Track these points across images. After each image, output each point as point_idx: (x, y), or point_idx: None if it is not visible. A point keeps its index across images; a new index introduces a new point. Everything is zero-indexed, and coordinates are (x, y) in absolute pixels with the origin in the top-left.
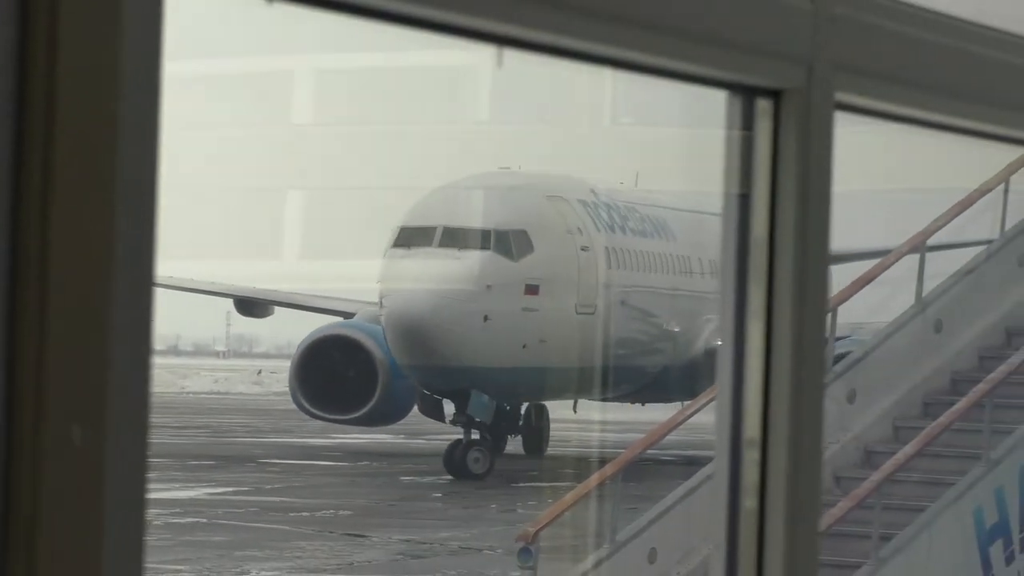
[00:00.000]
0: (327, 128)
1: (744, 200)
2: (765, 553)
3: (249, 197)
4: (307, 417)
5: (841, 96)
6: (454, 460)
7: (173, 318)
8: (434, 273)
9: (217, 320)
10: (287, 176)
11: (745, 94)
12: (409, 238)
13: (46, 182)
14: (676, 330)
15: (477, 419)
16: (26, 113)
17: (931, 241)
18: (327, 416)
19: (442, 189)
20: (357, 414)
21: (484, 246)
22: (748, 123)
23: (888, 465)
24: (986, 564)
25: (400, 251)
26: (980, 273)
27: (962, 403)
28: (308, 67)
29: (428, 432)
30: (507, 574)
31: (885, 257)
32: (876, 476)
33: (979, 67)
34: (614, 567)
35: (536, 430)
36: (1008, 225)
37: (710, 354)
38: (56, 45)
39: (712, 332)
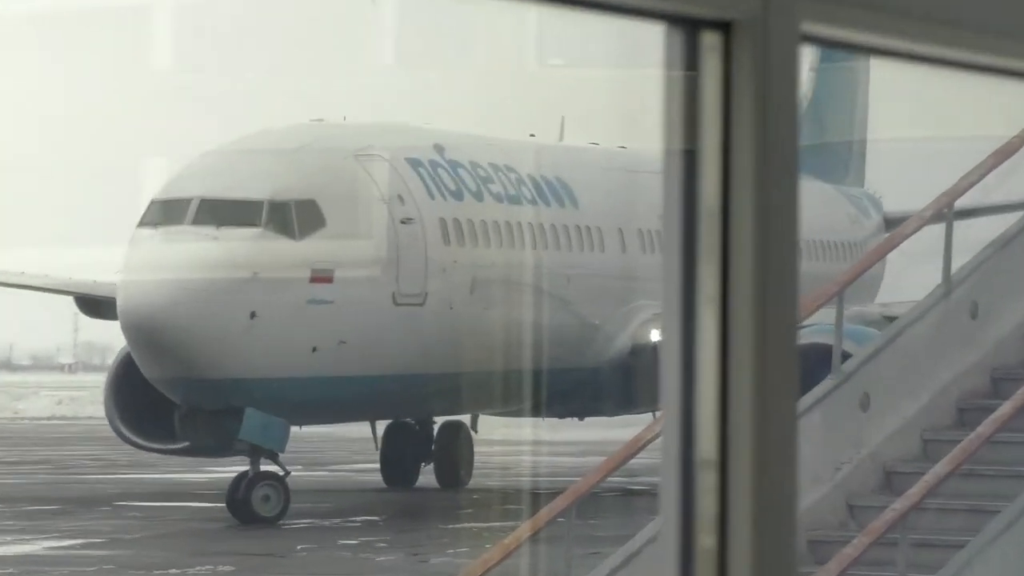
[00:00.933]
0: (188, 80)
1: (690, 157)
2: None
3: (97, 165)
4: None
5: (807, 27)
6: (236, 499)
7: (3, 323)
8: (183, 258)
9: (62, 325)
10: (143, 139)
11: (688, 27)
12: (158, 214)
13: None
14: (582, 322)
15: (262, 445)
16: None
17: (960, 204)
18: (150, 445)
19: (211, 152)
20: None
21: (252, 222)
22: (692, 62)
23: (916, 490)
24: None
25: (146, 231)
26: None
27: (1007, 407)
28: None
29: (329, 462)
30: None
31: (902, 225)
32: (900, 504)
33: None
34: None
35: (450, 455)
36: None
37: (641, 352)
38: None
39: (644, 323)
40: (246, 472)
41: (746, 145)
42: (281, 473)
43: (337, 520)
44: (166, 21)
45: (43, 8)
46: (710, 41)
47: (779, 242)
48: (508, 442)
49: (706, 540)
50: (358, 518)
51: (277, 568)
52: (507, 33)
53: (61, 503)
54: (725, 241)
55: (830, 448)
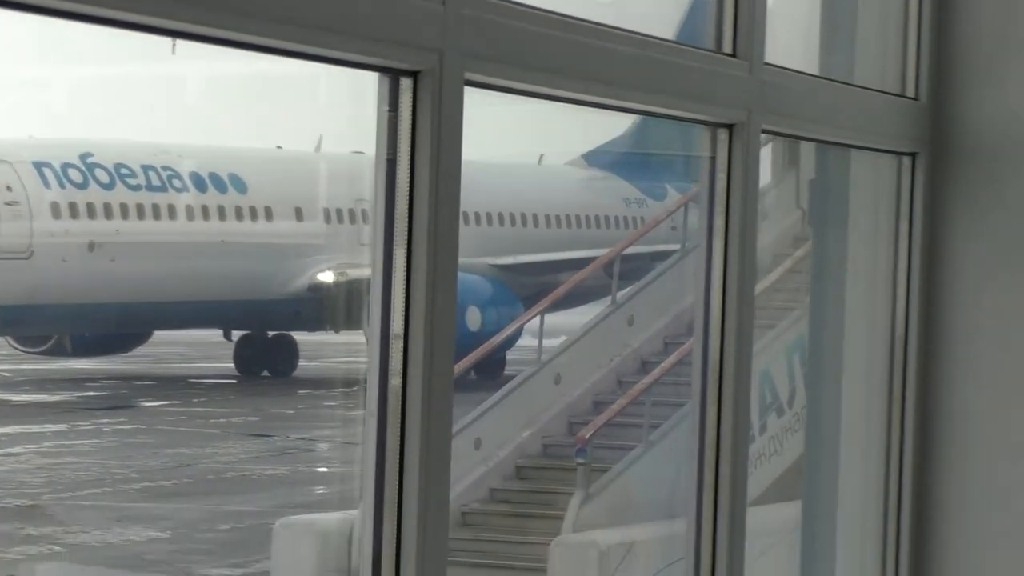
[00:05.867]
0: None
1: (392, 164)
2: (407, 418)
3: None
4: None
5: (470, 75)
6: None
7: None
8: None
9: None
10: None
11: (392, 75)
12: None
13: None
14: (253, 270)
15: None
16: None
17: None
18: None
19: None
20: None
21: None
22: (395, 100)
23: (657, 371)
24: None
25: None
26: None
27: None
28: None
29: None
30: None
31: (588, 267)
32: (647, 379)
33: (583, 52)
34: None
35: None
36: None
37: (317, 288)
38: None
39: (318, 270)
40: None
41: (424, 158)
42: None
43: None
44: None
45: None
46: (404, 85)
47: (445, 230)
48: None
49: (395, 381)
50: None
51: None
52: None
53: None
54: (410, 229)
55: (608, 349)
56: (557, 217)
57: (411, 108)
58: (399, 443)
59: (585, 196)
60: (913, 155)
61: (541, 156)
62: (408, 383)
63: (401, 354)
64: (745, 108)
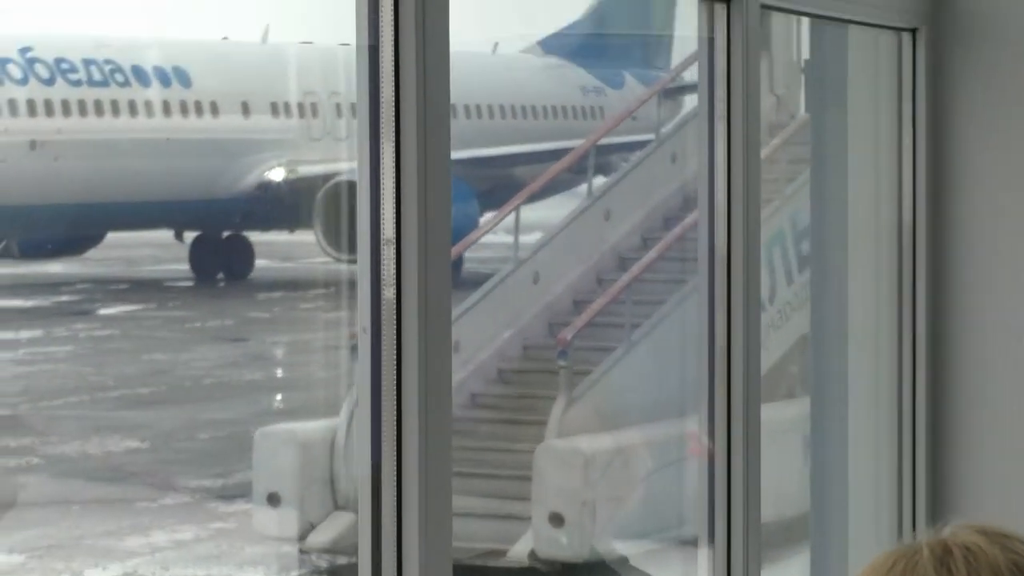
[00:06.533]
0: None
1: (374, 52)
2: (403, 333)
3: None
4: None
5: None
6: None
7: None
8: None
9: None
10: None
11: None
12: None
13: None
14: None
15: None
16: None
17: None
18: None
19: None
20: None
21: None
22: None
23: (636, 268)
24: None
25: None
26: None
27: (691, 217)
28: None
29: None
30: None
31: (565, 157)
32: (627, 277)
33: None
34: None
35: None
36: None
37: (267, 187)
38: None
39: (267, 168)
40: None
41: (409, 44)
42: None
43: None
44: None
45: None
46: None
47: (435, 124)
48: None
49: (388, 292)
50: None
51: None
52: None
53: None
54: (397, 122)
55: (585, 245)
56: (512, 108)
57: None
58: (395, 360)
59: (541, 85)
60: (914, 31)
61: (496, 44)
62: (403, 293)
63: (394, 261)
64: None
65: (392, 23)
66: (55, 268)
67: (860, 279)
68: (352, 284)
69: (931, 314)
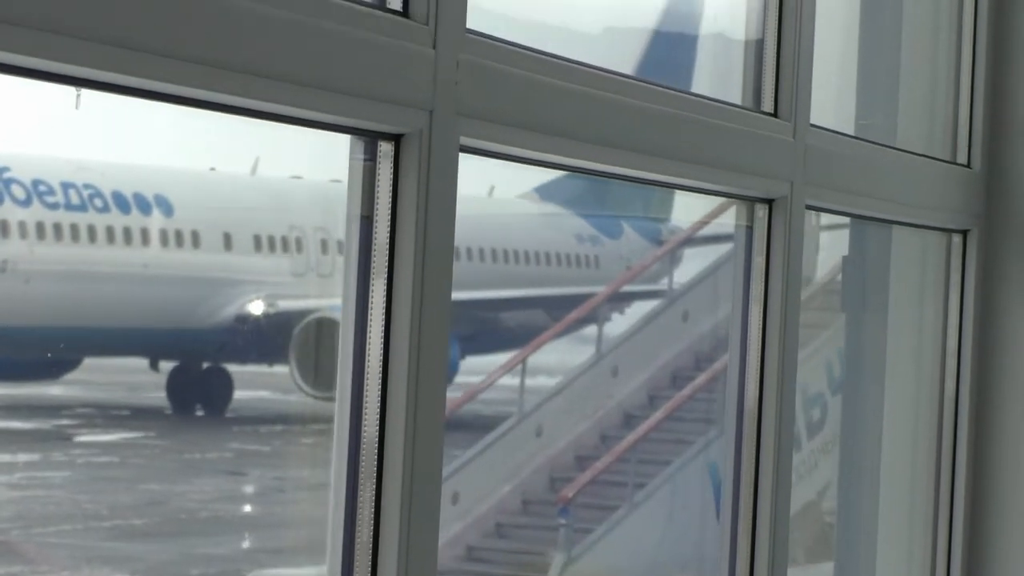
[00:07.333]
0: None
1: (367, 221)
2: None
3: None
4: None
5: (465, 140)
6: None
7: None
8: None
9: None
10: None
11: (369, 138)
12: None
13: None
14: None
15: None
16: None
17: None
18: None
19: None
20: None
21: None
22: (372, 159)
23: (643, 427)
24: (719, 505)
25: None
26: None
27: (701, 378)
28: None
29: None
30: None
31: (579, 308)
32: (632, 436)
33: (599, 111)
34: None
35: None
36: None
37: (245, 319)
38: None
39: (246, 301)
40: None
41: (409, 220)
42: None
43: None
44: None
45: None
46: (385, 149)
47: (435, 321)
48: None
49: (369, 431)
50: None
51: None
52: None
53: None
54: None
55: (591, 400)
56: (503, 252)
57: (392, 173)
58: (373, 513)
59: (533, 231)
60: (965, 232)
61: (492, 188)
62: (387, 433)
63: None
64: (787, 180)
65: (389, 202)
66: (24, 391)
67: (895, 480)
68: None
69: (970, 521)
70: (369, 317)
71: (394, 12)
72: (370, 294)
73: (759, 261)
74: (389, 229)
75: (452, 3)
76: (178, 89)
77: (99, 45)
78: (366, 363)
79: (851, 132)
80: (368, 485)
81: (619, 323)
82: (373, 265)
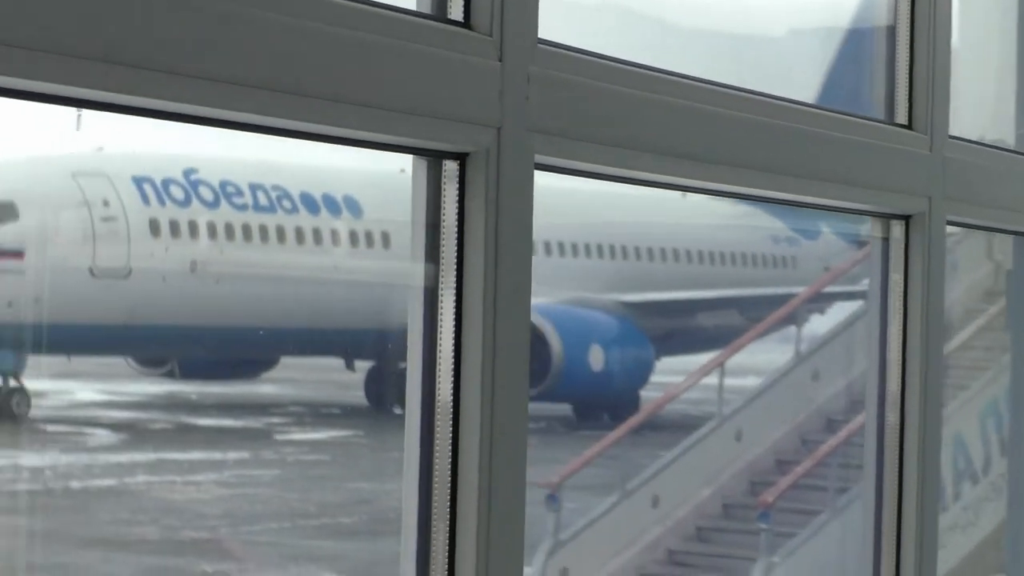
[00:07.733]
0: None
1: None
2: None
3: None
4: None
5: (540, 158)
6: None
7: None
8: None
9: None
10: None
11: (432, 157)
12: None
13: None
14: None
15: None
16: None
17: None
18: None
19: None
20: None
21: None
22: (437, 182)
23: (844, 431)
24: None
25: None
26: None
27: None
28: None
29: None
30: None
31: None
32: (834, 440)
33: (696, 125)
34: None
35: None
36: None
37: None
38: None
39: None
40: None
41: (477, 237)
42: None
43: None
44: None
45: None
46: (450, 169)
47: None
48: None
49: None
50: None
51: None
52: None
53: None
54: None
55: (792, 406)
56: (699, 253)
57: (458, 193)
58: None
59: (727, 232)
60: None
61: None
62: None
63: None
64: (925, 195)
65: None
66: (266, 389)
67: None
68: None
69: None
70: (439, 333)
71: (454, 23)
72: (439, 309)
73: (896, 279)
74: (456, 247)
75: (521, 12)
76: (244, 116)
77: (152, 73)
78: (436, 386)
79: (1012, 141)
80: (441, 526)
81: (818, 324)
82: (441, 279)
